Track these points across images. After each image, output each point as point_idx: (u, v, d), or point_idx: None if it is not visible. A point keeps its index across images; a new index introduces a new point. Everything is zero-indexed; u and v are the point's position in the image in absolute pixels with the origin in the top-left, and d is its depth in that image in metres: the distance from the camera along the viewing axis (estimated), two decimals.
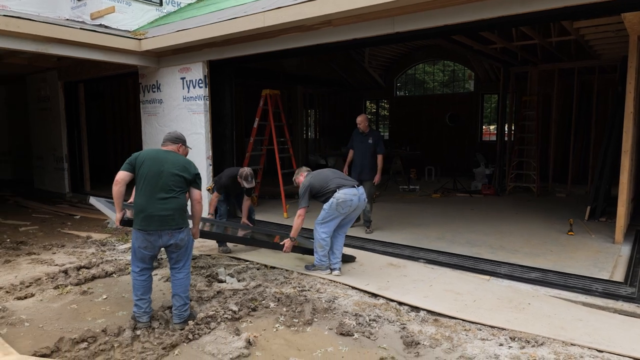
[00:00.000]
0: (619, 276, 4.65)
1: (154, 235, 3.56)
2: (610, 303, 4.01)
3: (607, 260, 5.19)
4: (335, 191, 4.64)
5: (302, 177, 4.94)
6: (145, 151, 3.80)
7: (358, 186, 4.77)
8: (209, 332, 3.59)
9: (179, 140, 3.93)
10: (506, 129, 11.04)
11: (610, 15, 5.61)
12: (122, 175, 3.65)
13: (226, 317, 3.81)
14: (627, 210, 6.11)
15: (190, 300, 3.90)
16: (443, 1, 4.62)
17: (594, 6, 4.20)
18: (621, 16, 5.25)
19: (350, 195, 4.63)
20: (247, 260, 5.43)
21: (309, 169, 5.12)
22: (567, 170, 10.42)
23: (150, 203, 3.56)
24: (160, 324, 3.70)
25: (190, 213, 4.04)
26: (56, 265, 5.31)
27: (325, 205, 4.69)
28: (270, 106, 8.09)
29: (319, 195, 4.75)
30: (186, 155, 4.02)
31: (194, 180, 3.74)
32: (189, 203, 3.87)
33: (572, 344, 3.34)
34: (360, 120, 6.47)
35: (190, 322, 3.67)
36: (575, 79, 10.11)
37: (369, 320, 3.77)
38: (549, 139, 10.70)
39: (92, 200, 4.60)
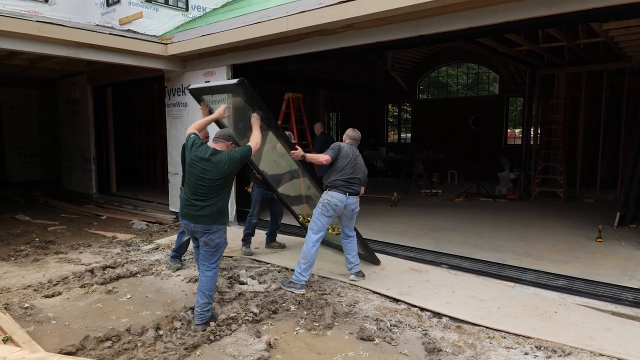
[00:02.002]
0: None
1: (190, 227, 3.86)
2: None
3: (638, 268, 5.02)
4: (328, 188, 4.63)
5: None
6: (197, 153, 3.80)
7: (350, 195, 4.63)
8: (230, 334, 3.62)
9: (231, 138, 4.03)
10: (532, 132, 10.82)
11: None
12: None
13: (247, 319, 3.84)
14: None
15: (213, 302, 3.95)
16: (468, 3, 4.56)
17: (623, 7, 4.09)
18: None
19: (336, 200, 4.57)
20: (268, 263, 5.46)
21: (355, 138, 4.93)
22: (596, 175, 10.12)
23: (189, 203, 3.83)
24: (182, 324, 3.75)
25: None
26: (83, 264, 5.45)
27: (315, 208, 4.73)
28: (293, 109, 8.12)
29: (330, 166, 4.71)
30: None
31: (239, 159, 3.84)
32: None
33: (600, 354, 3.24)
34: None
35: (212, 324, 3.71)
36: (604, 81, 9.82)
37: (390, 325, 3.73)
38: (577, 142, 10.42)
39: (192, 86, 5.15)
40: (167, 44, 7.51)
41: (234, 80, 4.48)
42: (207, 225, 3.77)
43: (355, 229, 5.12)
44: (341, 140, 5.00)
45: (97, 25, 8.84)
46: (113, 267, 5.27)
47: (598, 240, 6.13)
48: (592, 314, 3.91)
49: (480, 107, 13.97)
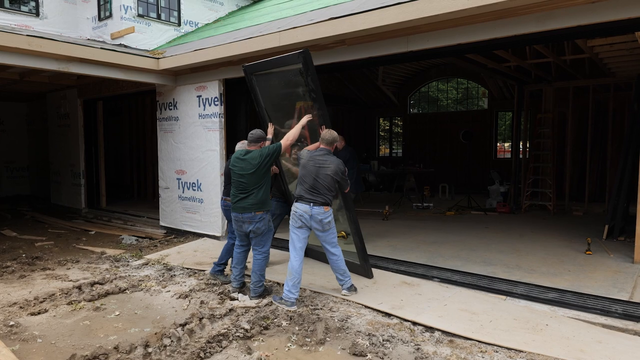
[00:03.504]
0: (639, 297, 4.52)
1: (239, 219, 4.68)
2: (630, 325, 3.90)
3: (627, 280, 5.06)
4: (295, 200, 4.65)
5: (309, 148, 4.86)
6: (234, 155, 4.82)
7: (315, 205, 4.51)
8: (221, 351, 3.57)
9: (260, 139, 4.77)
10: (521, 146, 10.95)
11: (624, 34, 5.59)
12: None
13: (238, 336, 3.79)
14: None
15: (265, 280, 4.85)
16: (457, 20, 4.65)
17: (607, 25, 4.20)
18: (635, 35, 5.23)
19: (300, 211, 4.56)
20: None
21: (328, 141, 4.70)
22: (584, 188, 10.25)
23: (236, 198, 4.68)
24: (172, 341, 3.69)
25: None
26: (70, 280, 5.36)
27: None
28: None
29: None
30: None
31: (270, 155, 4.61)
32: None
33: None
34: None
35: (203, 340, 3.66)
36: (590, 96, 10.02)
37: (383, 340, 3.71)
38: (565, 156, 10.57)
39: (247, 64, 5.51)
40: (158, 58, 7.53)
41: (296, 51, 4.79)
42: (251, 213, 4.59)
43: (360, 235, 5.15)
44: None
45: (88, 39, 8.87)
46: (101, 284, 5.19)
47: (587, 252, 6.18)
48: (582, 327, 3.92)
49: (470, 121, 14.14)
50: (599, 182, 10.75)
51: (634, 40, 5.91)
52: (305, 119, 4.92)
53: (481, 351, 3.54)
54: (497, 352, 3.53)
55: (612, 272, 5.36)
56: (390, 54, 5.41)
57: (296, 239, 4.62)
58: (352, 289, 4.76)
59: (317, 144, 4.85)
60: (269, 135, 5.17)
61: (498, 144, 14.46)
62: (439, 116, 14.97)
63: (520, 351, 3.50)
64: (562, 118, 10.71)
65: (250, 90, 5.76)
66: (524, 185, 10.35)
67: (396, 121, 16.75)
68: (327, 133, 4.73)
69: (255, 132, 4.79)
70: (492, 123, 13.79)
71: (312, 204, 4.52)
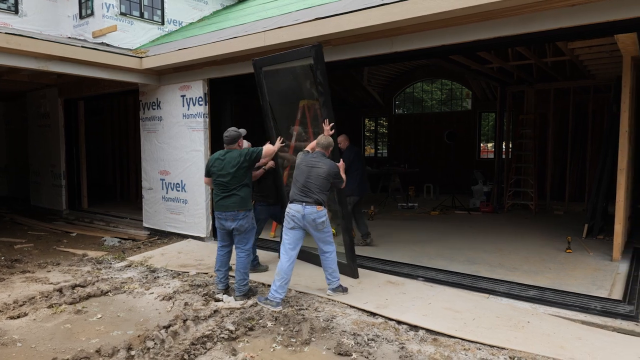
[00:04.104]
0: (617, 294, 4.63)
1: (222, 217, 4.71)
2: (609, 321, 3.99)
3: (605, 278, 5.18)
4: (289, 202, 4.69)
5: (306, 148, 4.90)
6: (213, 156, 4.89)
7: (307, 204, 4.53)
8: (205, 353, 3.54)
9: (237, 138, 4.82)
10: (504, 147, 11.11)
11: (603, 36, 5.70)
12: (205, 181, 5.02)
13: (223, 337, 3.77)
14: (624, 227, 6.12)
15: (250, 281, 4.86)
16: (442, 22, 4.69)
17: (588, 28, 4.28)
18: (615, 37, 5.34)
19: (293, 211, 4.58)
20: None
21: (323, 146, 4.77)
22: (565, 188, 10.44)
23: (218, 197, 4.73)
24: (155, 343, 3.65)
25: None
26: (51, 283, 5.26)
27: None
28: (309, 118, 6.55)
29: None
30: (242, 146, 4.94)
31: (249, 157, 4.67)
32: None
33: None
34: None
35: (187, 342, 3.63)
36: (571, 98, 10.22)
37: (368, 339, 3.73)
38: (546, 156, 10.75)
39: (256, 59, 5.55)
40: (141, 57, 7.44)
41: (308, 45, 4.88)
42: (234, 211, 4.64)
43: (351, 234, 5.20)
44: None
45: (69, 37, 8.72)
46: (83, 286, 5.11)
47: (568, 251, 6.30)
48: (563, 324, 4.00)
49: (454, 122, 14.29)
50: (579, 182, 10.96)
51: (613, 43, 6.03)
52: (278, 143, 5.15)
53: (464, 349, 3.58)
54: (480, 349, 3.57)
55: (592, 270, 5.48)
56: (375, 54, 5.43)
57: (287, 240, 4.61)
58: (339, 289, 4.75)
59: (313, 144, 4.89)
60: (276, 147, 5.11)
61: (481, 145, 14.64)
62: (423, 117, 15.10)
63: (503, 348, 3.55)
64: (544, 119, 10.90)
65: (257, 85, 5.77)
66: (506, 185, 10.50)
67: (381, 121, 16.83)
68: (323, 138, 4.83)
69: (230, 133, 4.80)
70: (475, 124, 13.96)
71: (304, 203, 4.55)
